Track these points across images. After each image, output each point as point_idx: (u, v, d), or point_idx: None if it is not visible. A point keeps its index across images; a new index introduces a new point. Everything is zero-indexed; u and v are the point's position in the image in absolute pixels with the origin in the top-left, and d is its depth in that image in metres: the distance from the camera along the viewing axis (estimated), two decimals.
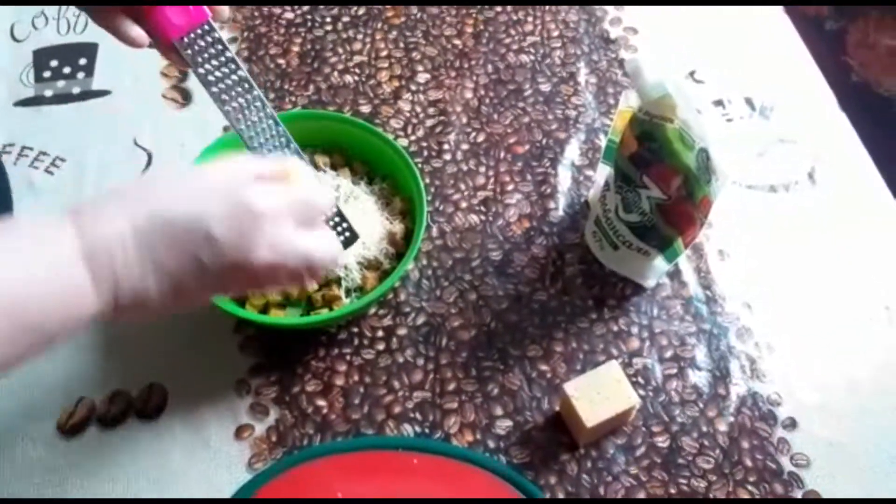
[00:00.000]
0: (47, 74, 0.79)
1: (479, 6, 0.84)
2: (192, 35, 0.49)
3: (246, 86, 0.50)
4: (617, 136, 0.61)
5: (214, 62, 0.50)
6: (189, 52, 0.49)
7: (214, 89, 0.50)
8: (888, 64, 1.32)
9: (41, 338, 0.39)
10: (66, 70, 0.79)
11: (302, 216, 0.44)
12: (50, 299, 0.38)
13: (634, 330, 0.65)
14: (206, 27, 0.49)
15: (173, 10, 0.48)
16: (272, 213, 0.42)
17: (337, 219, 0.55)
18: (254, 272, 0.42)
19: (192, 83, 0.78)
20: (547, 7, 0.84)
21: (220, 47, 0.50)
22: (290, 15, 0.83)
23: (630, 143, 0.58)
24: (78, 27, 0.82)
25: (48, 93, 0.78)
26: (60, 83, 0.78)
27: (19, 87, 0.78)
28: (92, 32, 0.82)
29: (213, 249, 0.41)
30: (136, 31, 0.48)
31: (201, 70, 0.50)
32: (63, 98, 0.77)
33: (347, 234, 0.55)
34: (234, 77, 0.50)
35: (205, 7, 0.49)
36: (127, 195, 0.41)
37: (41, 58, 0.80)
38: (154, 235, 0.40)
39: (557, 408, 0.61)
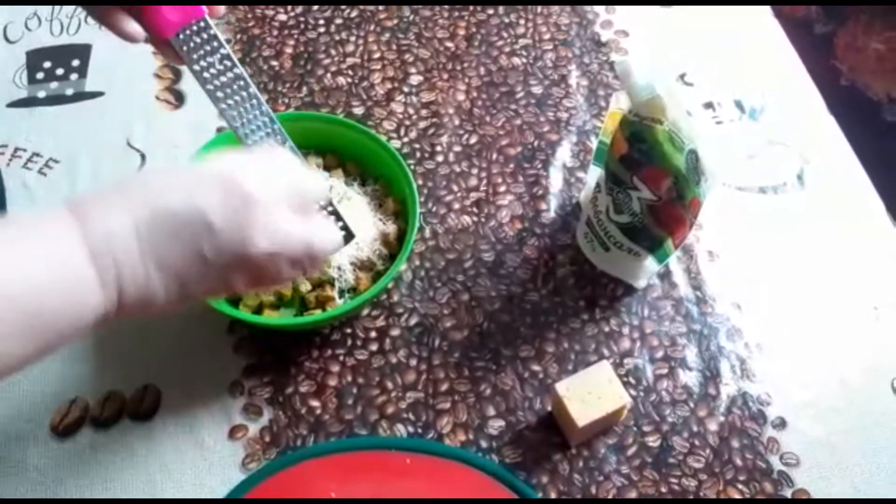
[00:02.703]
0: (40, 76, 0.79)
1: (471, 9, 0.84)
2: (188, 31, 0.49)
3: (241, 83, 0.50)
4: (607, 137, 0.62)
5: (210, 59, 0.50)
6: (185, 48, 0.49)
7: (209, 86, 0.50)
8: (877, 68, 1.33)
9: (43, 342, 0.38)
10: (60, 71, 0.79)
11: (296, 203, 0.44)
12: (57, 299, 0.38)
13: (625, 330, 0.66)
14: (202, 23, 0.49)
15: (169, 7, 0.48)
16: (266, 199, 0.41)
17: (332, 217, 0.56)
18: (254, 262, 0.42)
19: (185, 85, 0.78)
20: (539, 10, 0.85)
21: (215, 44, 0.50)
22: (283, 17, 0.83)
23: (620, 145, 0.58)
24: (71, 28, 0.82)
25: (41, 94, 0.78)
26: (53, 84, 0.78)
27: (12, 88, 0.78)
28: (85, 34, 0.82)
29: (213, 241, 0.40)
30: (133, 27, 0.49)
31: (196, 67, 0.50)
32: (56, 99, 0.77)
33: (343, 232, 0.55)
34: (229, 74, 0.50)
35: (199, 4, 0.49)
36: (126, 189, 0.41)
37: (34, 59, 0.80)
38: (155, 229, 0.40)
39: (549, 408, 0.62)
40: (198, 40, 0.49)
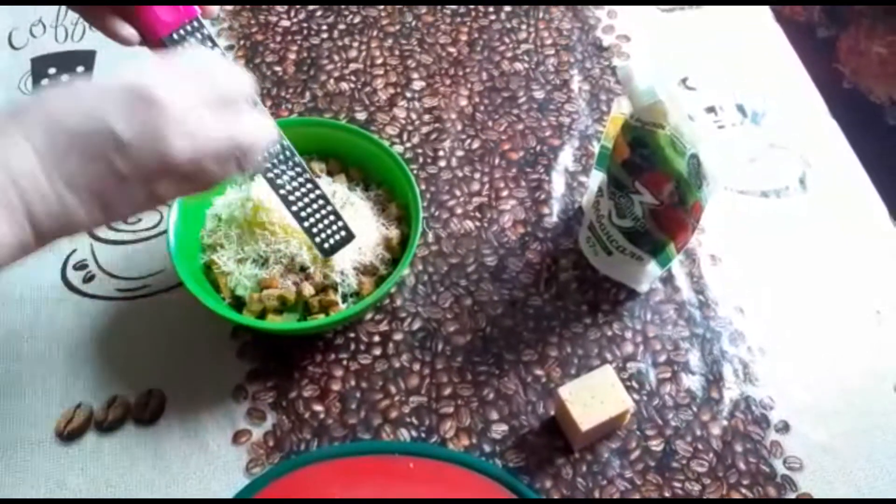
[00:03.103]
0: (45, 82, 0.79)
1: (473, 14, 0.85)
2: (182, 31, 0.49)
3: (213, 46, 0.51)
4: (609, 142, 0.62)
5: None
6: (179, 48, 0.50)
7: None
8: (879, 71, 1.33)
9: None
10: (64, 77, 0.80)
11: (215, 100, 0.41)
12: None
13: (628, 334, 0.66)
14: (196, 23, 0.50)
15: (162, 7, 0.49)
16: (177, 101, 0.39)
17: (332, 217, 0.56)
18: (177, 167, 0.40)
19: None
20: (540, 15, 0.85)
21: (209, 44, 0.50)
22: (286, 23, 0.84)
23: (622, 150, 0.59)
24: (76, 35, 0.83)
25: None
26: None
27: (17, 94, 0.78)
28: (89, 40, 0.82)
29: (124, 151, 0.39)
30: (127, 30, 0.49)
31: None
32: None
33: (343, 232, 0.56)
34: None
35: (192, 5, 0.50)
36: (23, 113, 0.39)
37: (39, 65, 0.81)
38: (57, 150, 0.38)
39: (552, 412, 0.62)
40: (192, 41, 0.50)
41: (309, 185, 0.56)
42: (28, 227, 0.38)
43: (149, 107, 0.39)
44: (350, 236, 0.56)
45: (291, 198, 0.56)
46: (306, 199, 0.56)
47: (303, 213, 0.57)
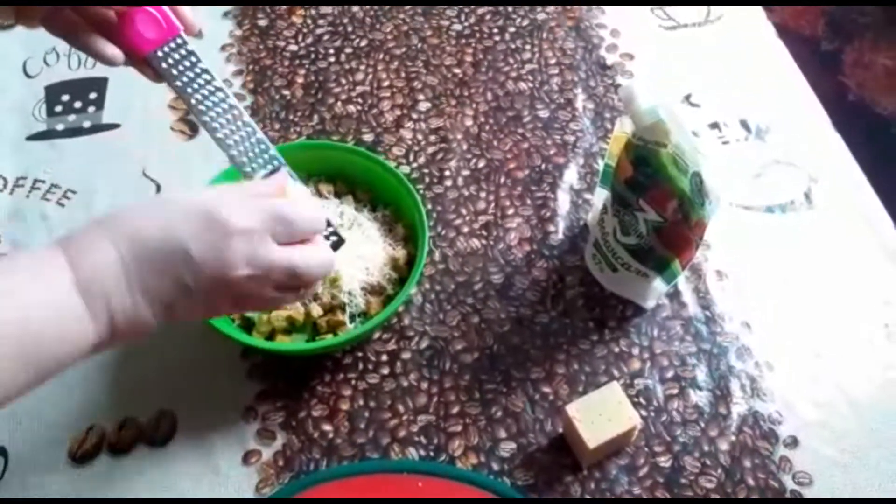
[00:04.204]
0: (59, 109, 0.81)
1: (477, 36, 0.86)
2: (165, 49, 0.50)
3: (221, 95, 0.52)
4: (613, 160, 0.63)
5: (190, 74, 0.51)
6: (164, 65, 0.51)
7: (192, 101, 0.52)
8: (885, 84, 1.33)
9: (42, 371, 0.41)
10: (77, 104, 0.81)
11: (280, 231, 0.45)
12: (50, 333, 0.40)
13: (635, 351, 0.66)
14: (179, 41, 0.51)
15: (144, 24, 0.50)
16: (244, 228, 0.43)
17: (327, 241, 0.56)
18: (238, 287, 0.44)
19: None
20: (544, 35, 0.86)
21: (193, 59, 0.51)
22: (293, 48, 0.85)
23: (626, 168, 0.59)
24: (88, 63, 0.85)
25: (60, 126, 0.80)
26: (71, 117, 0.81)
27: (32, 121, 0.80)
28: (102, 68, 0.83)
29: (193, 269, 0.42)
30: (111, 49, 0.50)
31: (178, 83, 0.51)
32: (74, 132, 0.79)
33: (334, 237, 0.56)
34: (209, 88, 0.52)
35: (175, 20, 0.50)
36: (108, 223, 0.43)
37: (53, 93, 0.82)
38: (139, 261, 0.42)
39: (560, 429, 0.62)
40: (176, 57, 0.51)
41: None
42: (107, 327, 0.42)
43: (219, 231, 0.43)
44: (341, 241, 0.54)
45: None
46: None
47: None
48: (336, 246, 0.57)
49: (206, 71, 0.51)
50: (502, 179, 0.76)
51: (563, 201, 0.75)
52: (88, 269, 0.41)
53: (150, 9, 0.50)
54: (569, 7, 0.88)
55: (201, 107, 0.52)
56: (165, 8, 0.50)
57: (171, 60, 0.51)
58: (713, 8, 0.89)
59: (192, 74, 0.51)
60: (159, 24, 0.50)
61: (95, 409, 0.63)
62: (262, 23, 0.87)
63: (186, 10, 0.51)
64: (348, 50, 0.85)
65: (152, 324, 0.43)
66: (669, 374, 0.65)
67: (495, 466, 0.61)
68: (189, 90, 0.51)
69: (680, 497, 0.59)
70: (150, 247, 0.42)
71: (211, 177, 0.67)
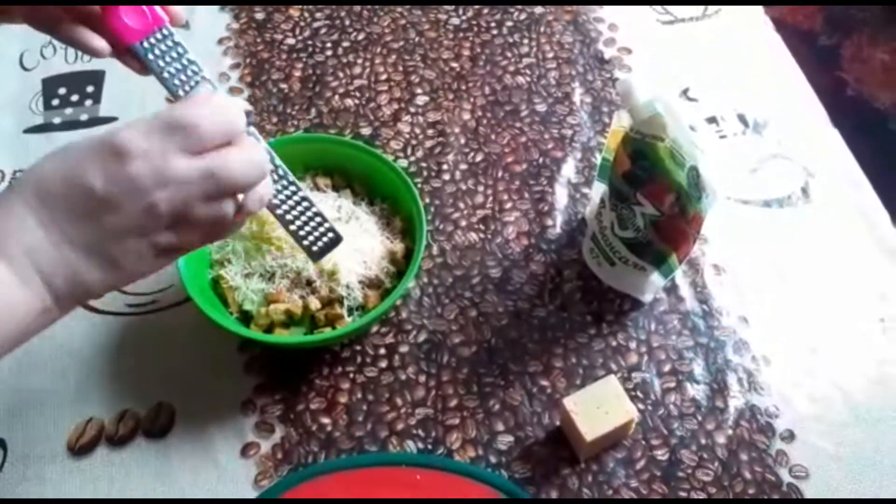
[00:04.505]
0: (56, 102, 0.81)
1: (475, 30, 0.86)
2: (151, 40, 0.49)
3: (209, 87, 0.50)
4: (610, 154, 0.63)
5: (176, 66, 0.50)
6: (150, 56, 0.50)
7: (180, 94, 0.50)
8: (883, 78, 1.34)
9: None
10: (74, 98, 0.81)
11: (182, 140, 0.40)
12: None
13: (633, 345, 0.66)
14: (165, 31, 0.50)
15: (129, 15, 0.49)
16: (139, 147, 0.39)
17: (318, 219, 0.55)
18: (166, 214, 0.41)
19: None
20: (542, 29, 0.86)
21: (180, 51, 0.50)
22: (291, 41, 0.85)
23: (623, 162, 0.59)
24: (85, 56, 0.84)
25: (57, 120, 0.80)
26: (69, 110, 0.80)
27: (29, 114, 0.80)
28: (98, 61, 0.83)
29: (105, 205, 0.39)
30: (97, 41, 0.49)
31: (164, 75, 0.50)
32: (71, 125, 0.79)
33: (331, 234, 0.55)
34: (196, 80, 0.50)
35: (160, 11, 0.49)
36: (16, 183, 0.40)
37: (50, 86, 0.82)
38: (51, 212, 0.39)
39: (558, 423, 0.62)
40: (162, 48, 0.50)
41: (292, 188, 0.54)
42: (47, 294, 0.40)
43: (121, 159, 0.39)
44: (338, 238, 0.55)
45: (275, 201, 0.54)
46: (290, 202, 0.54)
47: (288, 217, 0.55)
48: (333, 243, 0.56)
49: (193, 62, 0.50)
50: (500, 173, 0.76)
51: (561, 195, 0.75)
52: (3, 233, 0.39)
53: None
54: None
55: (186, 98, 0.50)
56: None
57: (157, 52, 0.50)
58: None
59: (178, 66, 0.50)
60: (144, 15, 0.49)
61: (94, 401, 0.63)
62: (260, 16, 0.87)
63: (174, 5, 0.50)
64: (346, 43, 0.85)
65: (95, 278, 0.40)
66: (667, 367, 0.65)
67: (493, 459, 0.61)
68: (176, 82, 0.50)
69: (677, 489, 0.60)
70: (58, 193, 0.39)
71: None
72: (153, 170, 0.40)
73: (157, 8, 0.50)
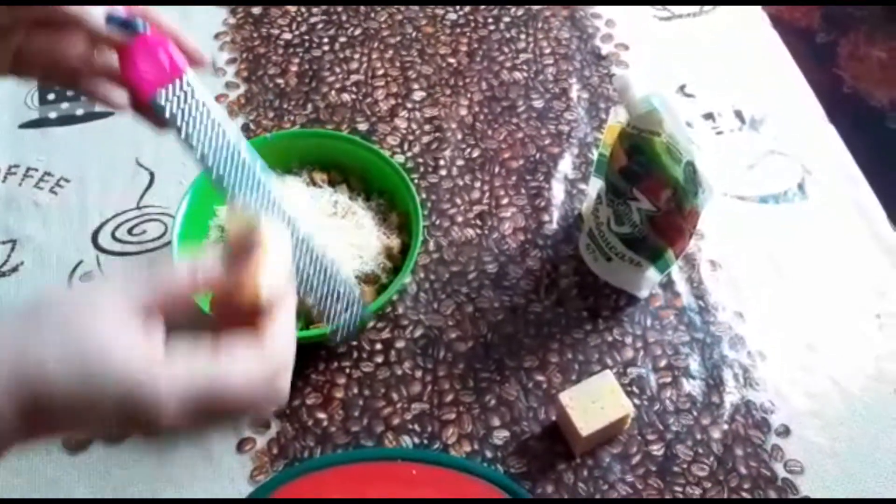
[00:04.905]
0: (51, 97, 0.81)
1: (472, 25, 0.86)
2: (167, 92, 0.44)
3: (232, 150, 0.44)
4: (607, 150, 0.63)
5: (201, 127, 0.45)
6: (168, 113, 0.44)
7: (197, 154, 0.45)
8: (880, 76, 1.34)
9: None
10: (70, 92, 0.81)
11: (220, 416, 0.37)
12: None
13: (628, 340, 0.66)
14: (186, 83, 0.44)
15: (145, 67, 0.44)
16: (173, 421, 0.35)
17: (342, 289, 0.49)
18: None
19: None
20: (539, 25, 0.86)
21: (202, 107, 0.44)
22: (287, 36, 0.85)
23: (620, 157, 0.59)
24: None
25: (52, 115, 0.79)
26: (64, 105, 0.80)
27: (24, 109, 0.80)
28: None
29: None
30: (117, 94, 0.46)
31: (190, 136, 0.45)
32: (67, 120, 0.79)
33: (355, 308, 0.48)
34: (220, 140, 0.45)
35: (179, 58, 0.44)
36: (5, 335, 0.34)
37: None
38: (29, 402, 0.33)
39: (553, 418, 0.62)
40: (181, 102, 0.44)
41: (316, 253, 0.47)
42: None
43: (147, 427, 0.35)
44: (363, 317, 0.47)
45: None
46: (311, 270, 0.47)
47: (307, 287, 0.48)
48: (354, 321, 0.48)
49: (221, 125, 0.44)
50: (497, 169, 0.76)
51: (558, 191, 0.75)
52: None
53: (154, 45, 0.44)
54: None
55: (210, 160, 0.45)
56: (169, 43, 0.45)
57: (175, 107, 0.44)
58: None
59: (202, 126, 0.45)
60: (159, 61, 0.43)
61: None
62: (256, 11, 0.87)
63: (190, 40, 0.46)
64: (342, 38, 0.85)
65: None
66: (662, 363, 0.65)
67: (489, 454, 0.61)
68: (204, 150, 0.44)
69: (672, 483, 0.60)
70: (53, 403, 0.33)
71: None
72: (174, 426, 0.36)
73: (177, 54, 0.44)
